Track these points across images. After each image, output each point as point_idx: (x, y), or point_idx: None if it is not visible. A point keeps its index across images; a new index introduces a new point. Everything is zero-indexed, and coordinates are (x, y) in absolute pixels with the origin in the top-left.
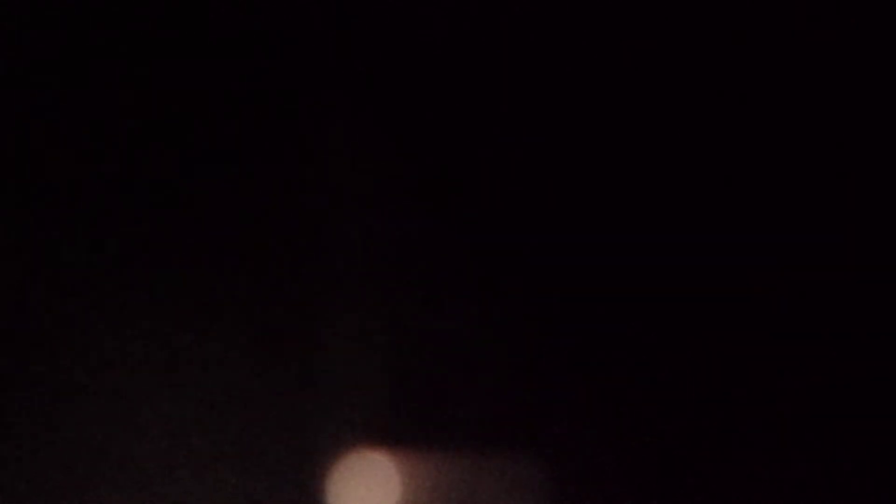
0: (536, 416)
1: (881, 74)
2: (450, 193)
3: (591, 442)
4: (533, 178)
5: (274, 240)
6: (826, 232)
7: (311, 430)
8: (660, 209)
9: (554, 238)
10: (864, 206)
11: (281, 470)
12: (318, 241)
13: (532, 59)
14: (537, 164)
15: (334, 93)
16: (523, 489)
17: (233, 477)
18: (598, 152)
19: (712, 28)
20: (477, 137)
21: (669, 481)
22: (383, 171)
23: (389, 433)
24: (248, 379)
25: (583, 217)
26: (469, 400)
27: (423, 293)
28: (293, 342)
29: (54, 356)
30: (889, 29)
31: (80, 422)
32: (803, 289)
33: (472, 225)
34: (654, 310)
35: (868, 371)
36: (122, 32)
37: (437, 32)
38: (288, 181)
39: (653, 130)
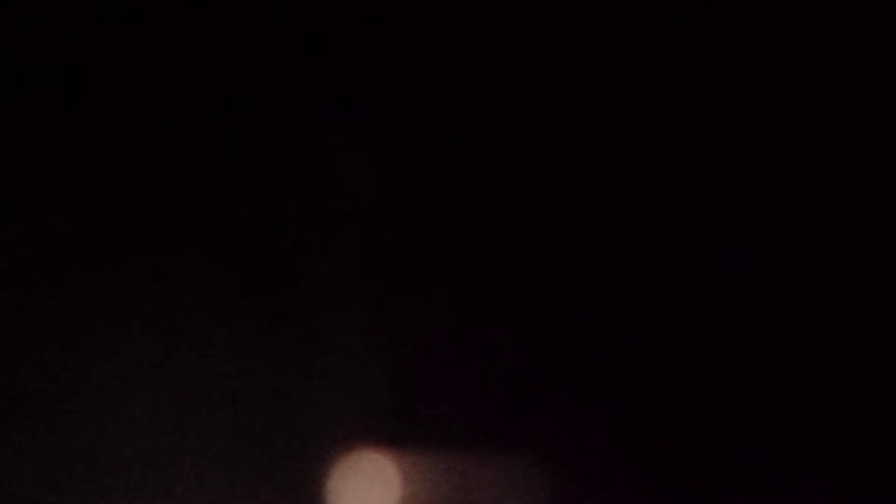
0: (536, 416)
1: (881, 75)
2: (451, 193)
3: (591, 442)
4: (533, 179)
5: (274, 239)
6: (825, 232)
7: (311, 430)
8: (659, 209)
9: (554, 238)
10: (864, 207)
11: (281, 470)
12: (318, 240)
13: (533, 60)
14: (538, 164)
15: (334, 92)
16: (523, 489)
17: (232, 477)
18: (599, 152)
19: (712, 28)
20: (478, 138)
21: (669, 481)
22: (383, 171)
23: (389, 433)
24: (248, 379)
25: (583, 217)
26: (468, 400)
27: (424, 293)
28: (293, 342)
29: (52, 357)
30: (889, 29)
31: (77, 422)
32: (803, 289)
33: (473, 225)
34: (653, 309)
35: (868, 371)
36: (122, 31)
37: (438, 32)
38: (288, 181)
39: (652, 131)
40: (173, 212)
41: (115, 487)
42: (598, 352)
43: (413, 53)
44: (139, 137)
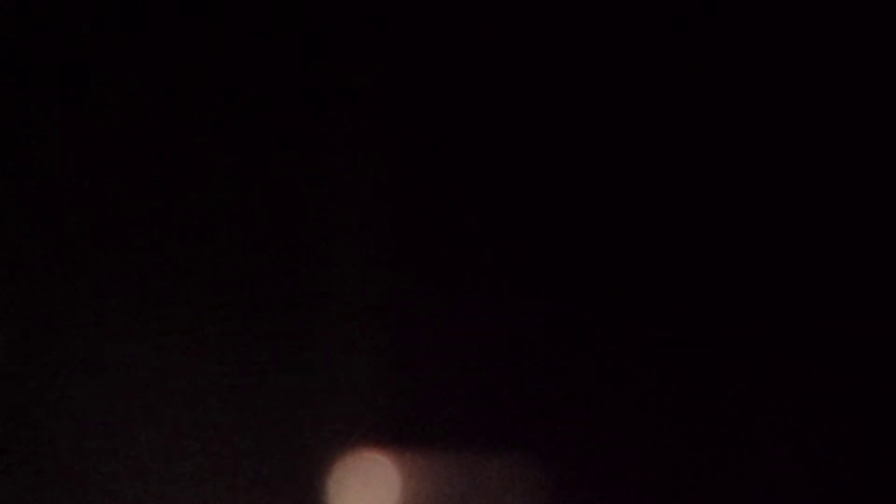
0: (536, 416)
1: (881, 75)
2: (450, 193)
3: (591, 442)
4: (533, 178)
5: (273, 239)
6: (825, 232)
7: (311, 431)
8: (660, 209)
9: (555, 238)
10: (864, 207)
11: (281, 470)
12: (317, 240)
13: (533, 59)
14: (537, 164)
15: (335, 91)
16: (523, 489)
17: (232, 478)
18: (599, 152)
19: (712, 28)
20: (478, 138)
21: (669, 481)
22: (383, 171)
23: (389, 433)
24: (248, 379)
25: (583, 217)
26: (469, 400)
27: (424, 293)
28: (293, 342)
29: (51, 357)
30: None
31: (76, 423)
32: (803, 290)
33: (473, 225)
34: (653, 309)
35: (868, 371)
36: (122, 31)
37: (438, 31)
38: (287, 181)
39: (652, 131)
40: (173, 211)
41: (113, 488)
42: (597, 352)
43: (413, 53)
44: (138, 137)
